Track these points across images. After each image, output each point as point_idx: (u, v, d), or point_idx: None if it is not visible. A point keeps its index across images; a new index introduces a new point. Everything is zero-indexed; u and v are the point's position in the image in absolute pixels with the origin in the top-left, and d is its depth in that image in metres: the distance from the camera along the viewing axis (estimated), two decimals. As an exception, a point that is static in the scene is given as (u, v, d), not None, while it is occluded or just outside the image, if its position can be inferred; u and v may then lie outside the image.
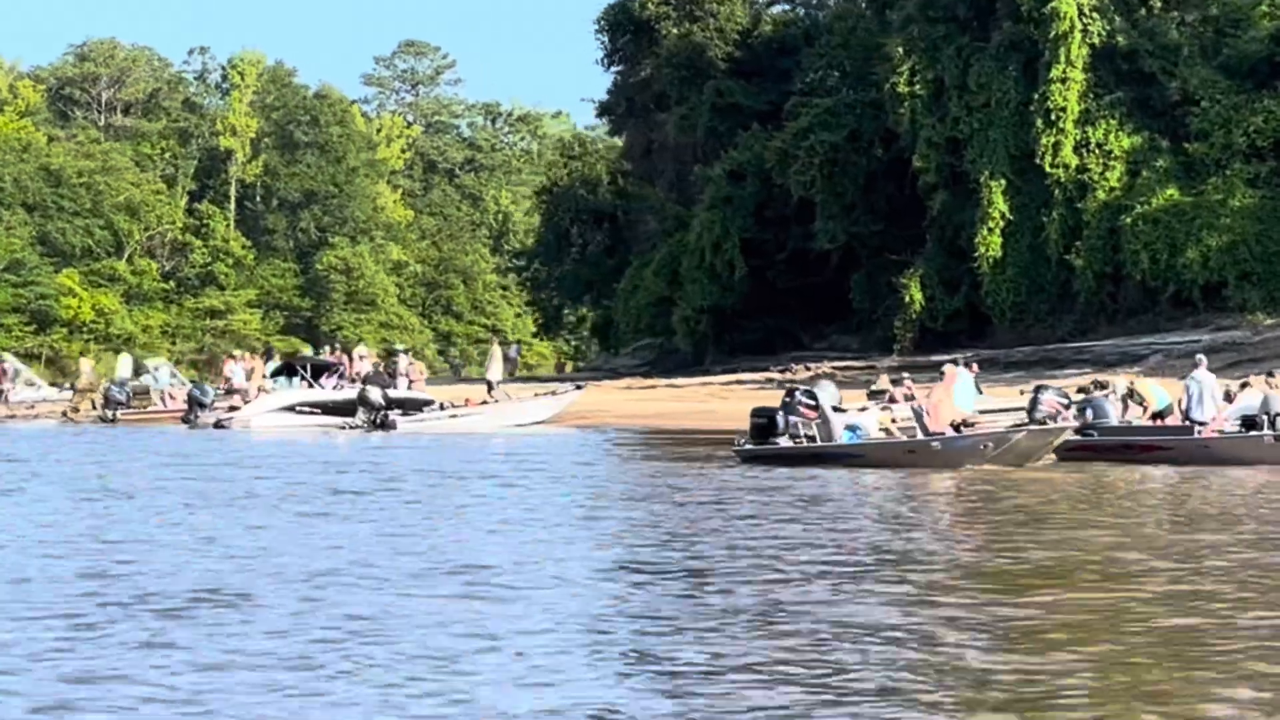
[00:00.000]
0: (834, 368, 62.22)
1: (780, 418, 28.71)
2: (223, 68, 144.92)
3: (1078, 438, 28.35)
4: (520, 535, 18.04)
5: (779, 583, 14.09)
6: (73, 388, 57.03)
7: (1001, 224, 60.04)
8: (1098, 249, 58.05)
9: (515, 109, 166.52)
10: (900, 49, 61.76)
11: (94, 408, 54.45)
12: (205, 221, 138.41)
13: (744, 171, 68.23)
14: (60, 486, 24.59)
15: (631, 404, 51.70)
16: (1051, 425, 26.59)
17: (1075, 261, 58.29)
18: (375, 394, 45.98)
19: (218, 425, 47.25)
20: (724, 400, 53.73)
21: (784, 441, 28.35)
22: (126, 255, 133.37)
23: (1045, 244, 59.53)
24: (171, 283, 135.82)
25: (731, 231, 67.41)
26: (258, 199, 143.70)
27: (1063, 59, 58.50)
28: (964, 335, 62.57)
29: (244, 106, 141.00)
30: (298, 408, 46.99)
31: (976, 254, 60.31)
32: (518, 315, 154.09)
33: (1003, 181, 60.02)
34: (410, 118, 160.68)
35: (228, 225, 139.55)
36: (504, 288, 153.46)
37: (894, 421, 28.10)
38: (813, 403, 34.56)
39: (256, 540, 17.46)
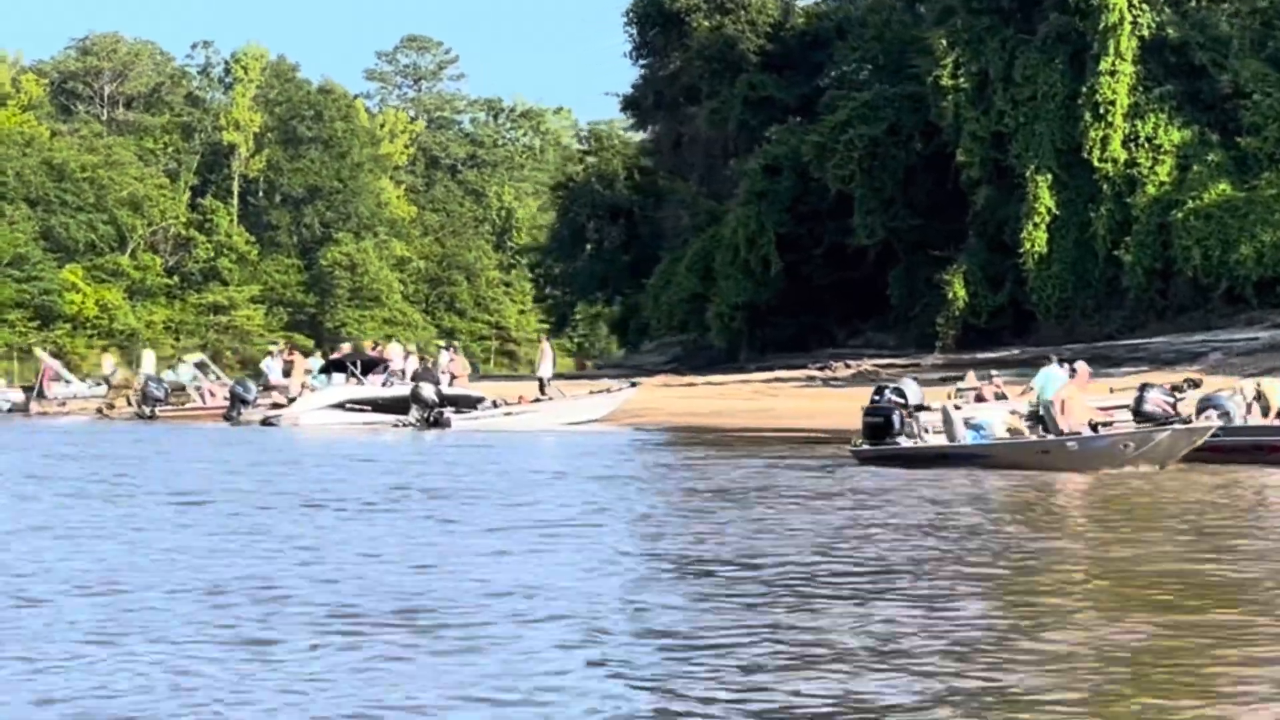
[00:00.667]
0: (875, 365, 61.25)
1: (896, 417, 27.62)
2: (226, 62, 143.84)
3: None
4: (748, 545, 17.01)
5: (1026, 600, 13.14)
6: (106, 383, 55.89)
7: (1047, 219, 59.06)
8: (1148, 245, 57.08)
9: (518, 105, 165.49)
10: (943, 41, 60.77)
11: (129, 404, 53.39)
12: (209, 217, 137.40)
13: (779, 165, 67.23)
14: (179, 493, 23.52)
15: (680, 402, 50.64)
16: (1197, 425, 25.61)
17: (1124, 257, 57.31)
18: (429, 390, 44.94)
19: (265, 423, 46.22)
20: (774, 398, 52.81)
21: (905, 441, 27.28)
22: (130, 250, 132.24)
23: (1093, 239, 58.56)
24: (175, 278, 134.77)
25: (767, 226, 66.40)
26: (260, 194, 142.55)
27: (1112, 51, 57.54)
28: (1007, 332, 61.62)
29: (247, 101, 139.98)
30: (347, 405, 45.91)
31: (1022, 250, 59.32)
32: (521, 312, 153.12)
33: (1049, 176, 59.04)
34: (412, 113, 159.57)
35: (231, 220, 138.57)
36: (507, 284, 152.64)
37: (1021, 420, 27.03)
38: (903, 401, 33.67)
39: (426, 549, 16.45)
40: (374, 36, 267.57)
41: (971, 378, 36.72)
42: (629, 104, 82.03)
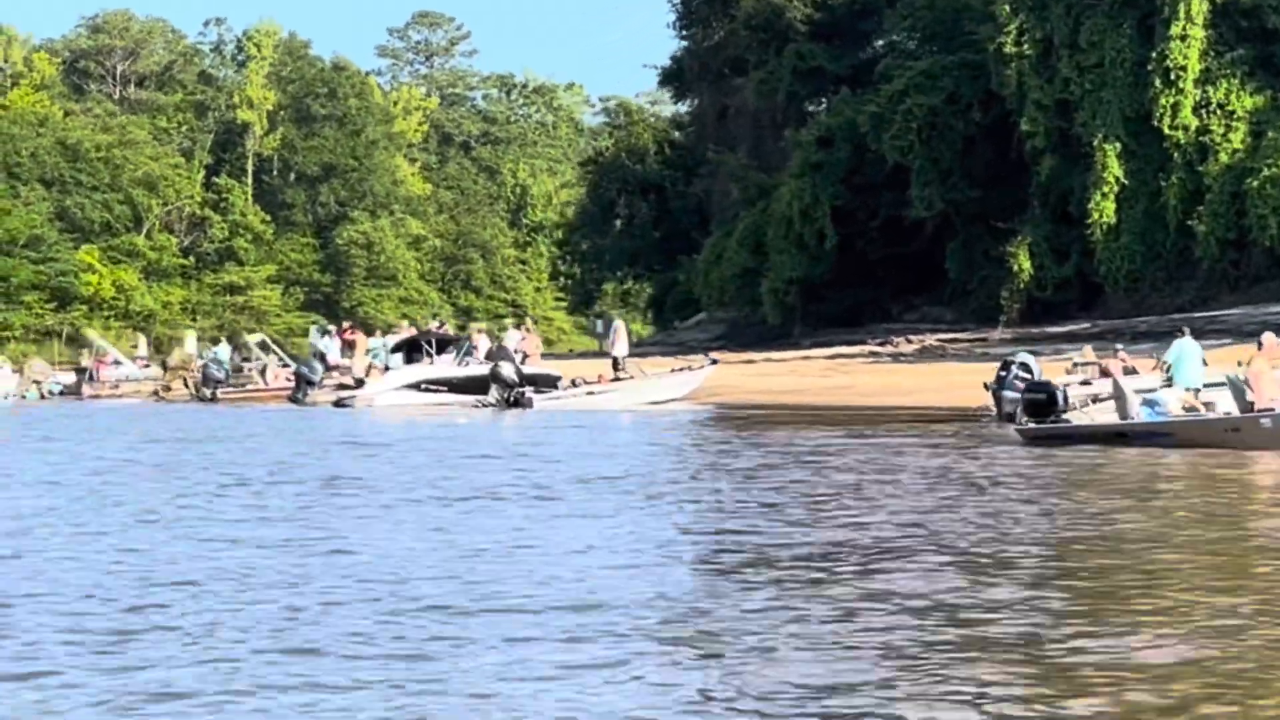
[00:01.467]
0: (939, 340, 60.15)
1: (1060, 394, 26.33)
2: (238, 40, 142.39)
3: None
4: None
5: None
6: (163, 365, 54.69)
7: (1116, 189, 57.82)
8: (1221, 214, 55.81)
9: (530, 81, 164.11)
10: (1006, 7, 59.50)
11: (186, 386, 52.21)
12: (224, 196, 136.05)
13: (833, 137, 66.02)
14: (369, 485, 22.26)
15: (754, 380, 49.35)
16: None
17: (1197, 227, 56.07)
18: (508, 370, 43.68)
19: (338, 404, 44.96)
20: (847, 374, 51.59)
21: (1075, 419, 25.99)
22: (145, 231, 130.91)
23: (1163, 209, 57.33)
24: (190, 258, 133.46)
25: (821, 199, 65.16)
26: (275, 173, 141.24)
27: (1182, 15, 56.25)
28: (1073, 305, 60.49)
29: (260, 79, 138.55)
30: (423, 385, 44.67)
31: (1089, 220, 58.11)
32: (538, 290, 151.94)
33: (1117, 145, 57.80)
34: (425, 90, 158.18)
35: (246, 200, 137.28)
36: (523, 261, 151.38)
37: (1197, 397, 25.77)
38: (1030, 376, 32.52)
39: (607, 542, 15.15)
40: (385, 12, 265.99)
41: (1089, 352, 35.56)
42: (669, 76, 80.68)
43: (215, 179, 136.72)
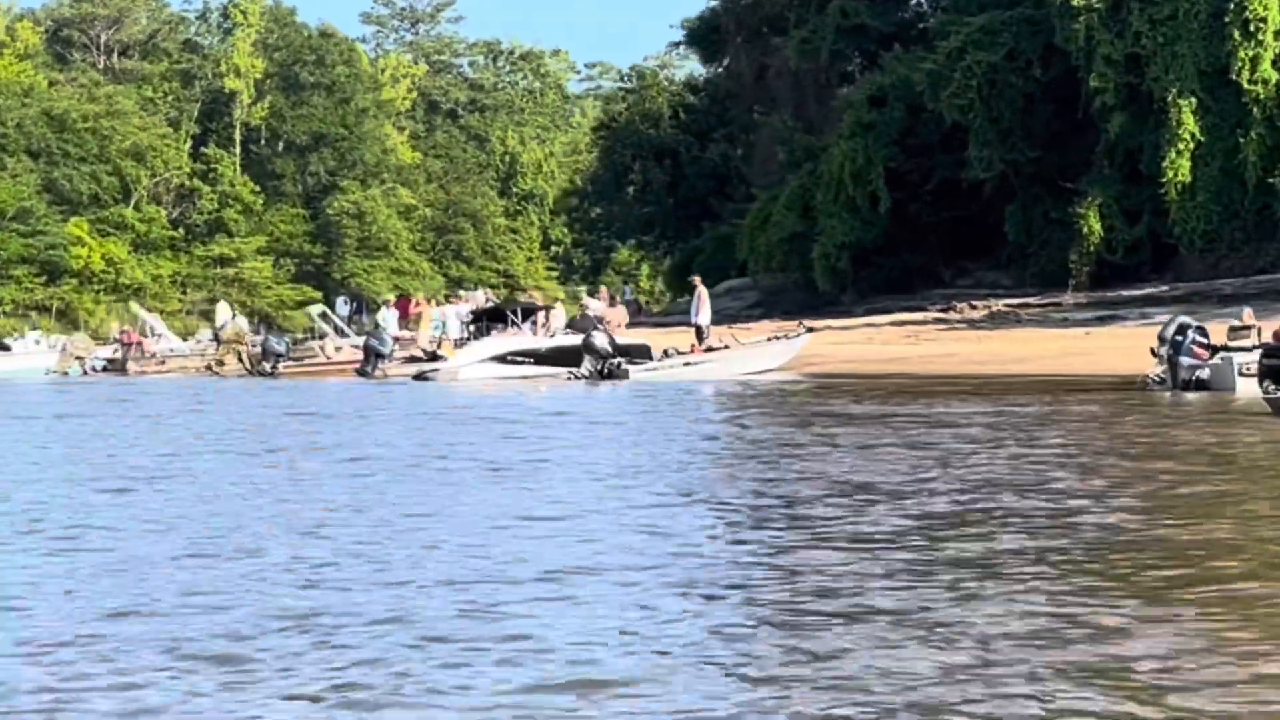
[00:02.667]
0: (1007, 305, 58.23)
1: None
2: (224, 6, 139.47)
3: None
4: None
5: None
6: (216, 338, 52.42)
7: (1191, 146, 55.84)
8: (1303, 171, 54.03)
9: (516, 47, 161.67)
10: (1073, -40, 57.48)
11: (240, 360, 50.01)
12: (213, 166, 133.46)
13: (885, 96, 63.95)
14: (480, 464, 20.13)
15: (844, 348, 47.26)
16: None
17: (1278, 185, 54.22)
18: (602, 340, 41.64)
19: (420, 378, 42.81)
20: (936, 342, 49.66)
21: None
22: (133, 202, 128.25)
23: (1241, 167, 55.36)
24: (180, 230, 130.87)
25: (875, 161, 63.07)
26: (262, 142, 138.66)
27: (1261, -35, 54.37)
28: (1145, 267, 58.57)
29: (247, 46, 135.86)
30: (509, 357, 42.55)
31: (1162, 179, 56.10)
32: (529, 260, 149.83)
33: (1192, 100, 55.82)
34: (411, 57, 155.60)
35: (235, 170, 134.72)
36: (514, 231, 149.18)
37: None
38: (1205, 341, 30.63)
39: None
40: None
41: (1249, 315, 33.57)
42: (696, 36, 78.46)
43: (203, 149, 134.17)
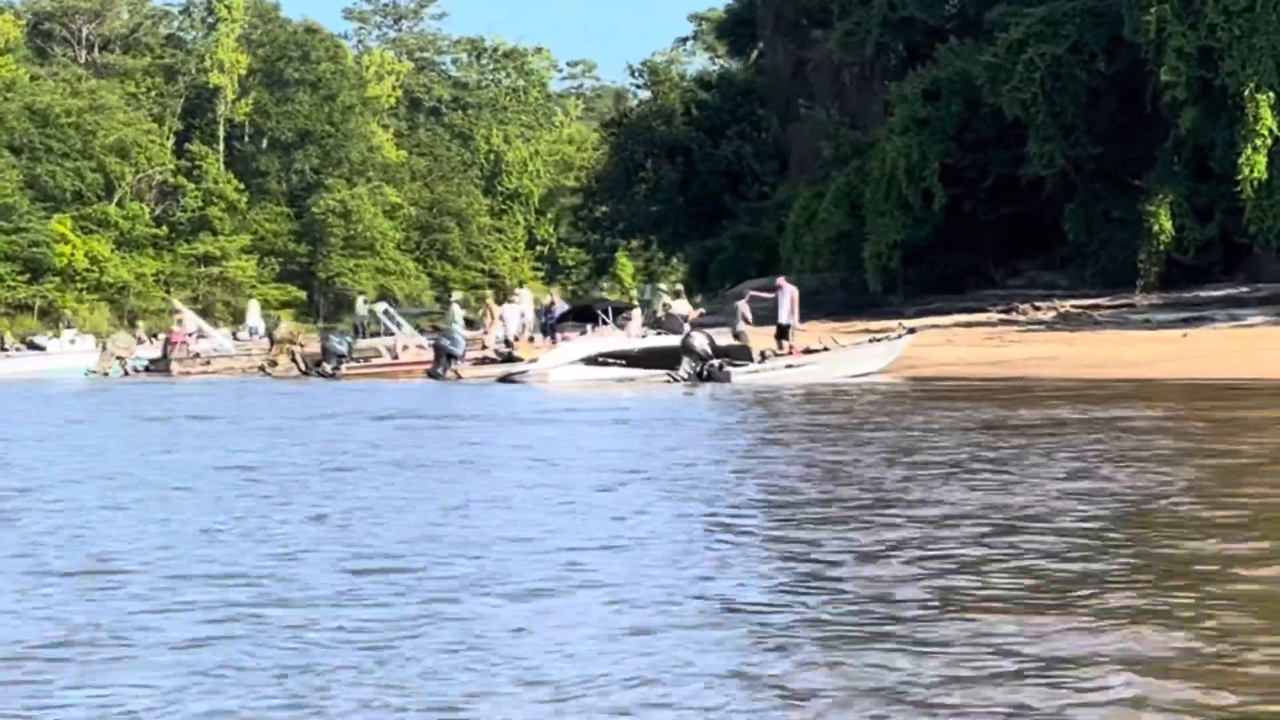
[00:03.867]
0: (1075, 306, 56.27)
1: None
2: (207, 1, 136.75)
3: None
4: None
5: None
6: (270, 338, 50.06)
7: (1269, 142, 53.96)
8: (1388, 169, 52.19)
9: (499, 45, 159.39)
10: (1145, -52, 55.56)
11: (294, 361, 47.69)
12: (197, 163, 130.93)
13: (940, 90, 61.98)
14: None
15: (940, 351, 45.09)
16: None
17: (1361, 183, 52.45)
18: (701, 341, 39.52)
19: (506, 380, 40.59)
20: (1019, 344, 47.61)
21: None
22: (116, 199, 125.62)
23: (1322, 164, 53.57)
24: (163, 228, 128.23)
25: (930, 157, 61.04)
26: (246, 139, 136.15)
27: (1345, -45, 52.54)
28: (1216, 267, 56.71)
29: (231, 42, 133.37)
30: (600, 359, 40.38)
31: (1238, 176, 54.18)
32: (515, 259, 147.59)
33: (1270, 95, 53.88)
34: (394, 54, 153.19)
35: (219, 167, 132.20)
36: (499, 230, 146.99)
37: None
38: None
39: None
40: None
41: None
42: (727, 28, 76.33)
43: (187, 145, 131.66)
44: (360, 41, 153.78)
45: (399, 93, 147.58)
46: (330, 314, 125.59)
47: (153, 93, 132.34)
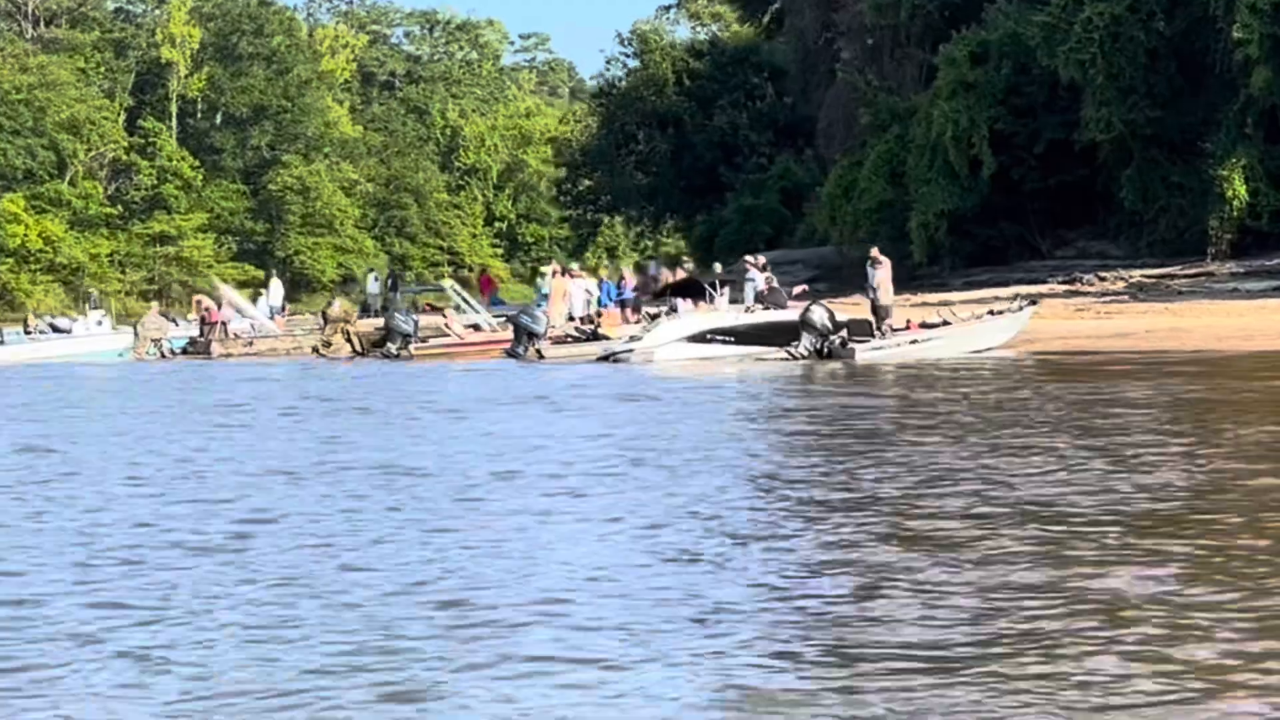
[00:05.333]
0: (1144, 276, 53.85)
1: None
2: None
3: None
4: None
5: None
6: (324, 317, 46.99)
7: (1349, 103, 51.84)
8: None
9: (452, 17, 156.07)
10: (1214, -99, 53.15)
11: (349, 341, 44.68)
12: (151, 140, 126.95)
13: (989, 52, 59.41)
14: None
15: (1058, 324, 42.52)
16: None
17: None
18: (821, 315, 36.86)
19: (610, 358, 37.76)
20: (1120, 316, 45.16)
21: None
22: (69, 177, 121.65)
23: (1406, 125, 51.39)
24: (118, 207, 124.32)
25: (979, 122, 58.45)
26: (199, 115, 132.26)
27: None
28: (1289, 234, 54.49)
29: (183, 15, 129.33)
30: (709, 336, 37.62)
31: (1318, 138, 52.01)
32: (474, 236, 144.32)
33: (1350, 53, 51.78)
34: (348, 27, 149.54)
35: (173, 144, 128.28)
36: (456, 206, 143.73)
37: None
38: None
39: None
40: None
41: None
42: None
43: (140, 122, 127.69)
44: (311, 15, 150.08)
45: (354, 66, 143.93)
46: (288, 294, 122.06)
47: (102, 68, 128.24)
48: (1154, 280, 52.64)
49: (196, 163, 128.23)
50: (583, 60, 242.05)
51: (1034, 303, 40.45)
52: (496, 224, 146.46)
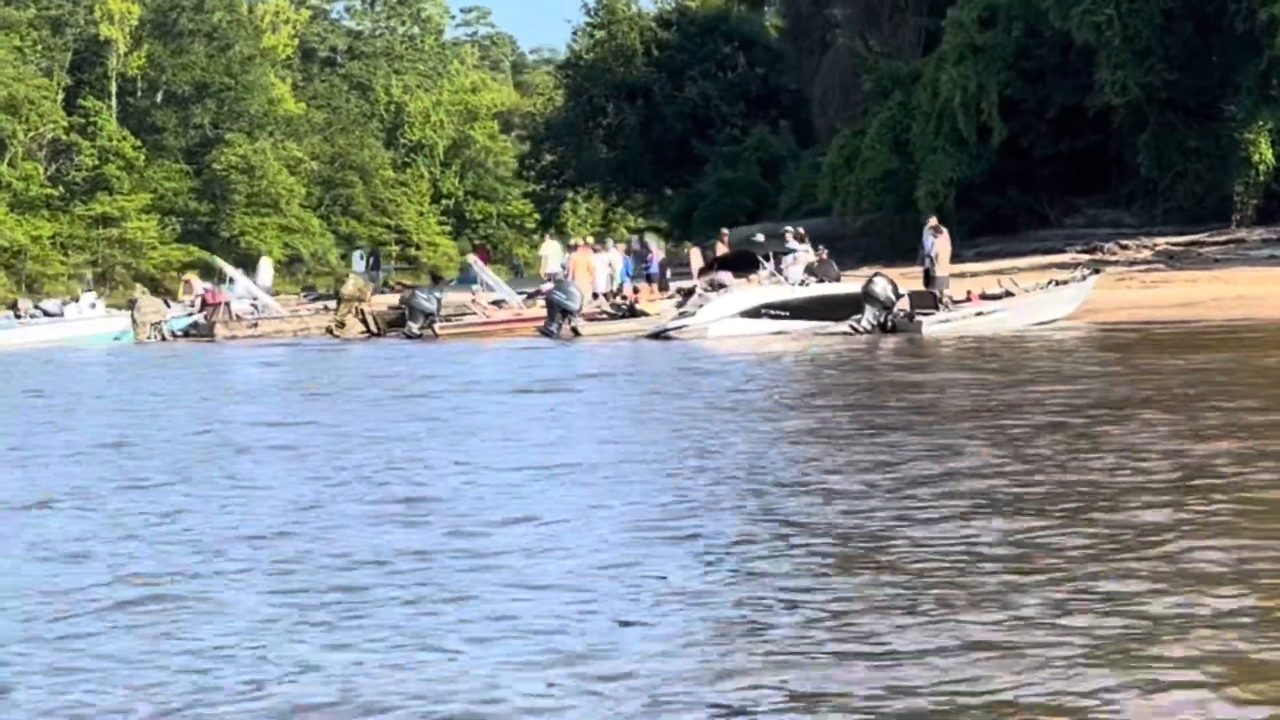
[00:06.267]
0: (1170, 244, 52.15)
1: None
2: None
3: None
4: None
5: None
6: (336, 296, 44.76)
7: (1377, 65, 50.29)
8: None
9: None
10: None
11: (363, 321, 42.52)
12: (91, 119, 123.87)
13: (997, 15, 57.65)
14: None
15: (1120, 294, 40.71)
16: None
17: None
18: (884, 287, 34.99)
19: (660, 335, 35.77)
20: (1167, 285, 43.41)
21: None
22: (8, 158, 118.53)
23: None
24: (59, 188, 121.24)
25: (988, 88, 56.69)
26: (140, 93, 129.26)
27: None
28: (1315, 199, 52.95)
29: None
30: (764, 310, 35.69)
31: (1345, 101, 50.47)
32: (421, 214, 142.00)
33: (1378, 13, 50.21)
34: (289, 2, 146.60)
35: (114, 123, 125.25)
36: (403, 184, 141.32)
37: None
38: None
39: None
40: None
41: None
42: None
43: (79, 101, 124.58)
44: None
45: (296, 43, 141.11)
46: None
47: (39, 46, 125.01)
48: (1182, 248, 50.98)
49: (138, 142, 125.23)
50: (524, 34, 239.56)
51: (1097, 271, 38.71)
52: (444, 201, 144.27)
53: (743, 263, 38.06)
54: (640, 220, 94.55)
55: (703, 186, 79.76)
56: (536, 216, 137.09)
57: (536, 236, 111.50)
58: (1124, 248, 52.48)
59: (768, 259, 37.62)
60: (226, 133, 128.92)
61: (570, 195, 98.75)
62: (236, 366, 33.61)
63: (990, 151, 57.03)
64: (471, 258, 48.42)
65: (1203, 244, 51.05)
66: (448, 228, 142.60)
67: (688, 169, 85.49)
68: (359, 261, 61.55)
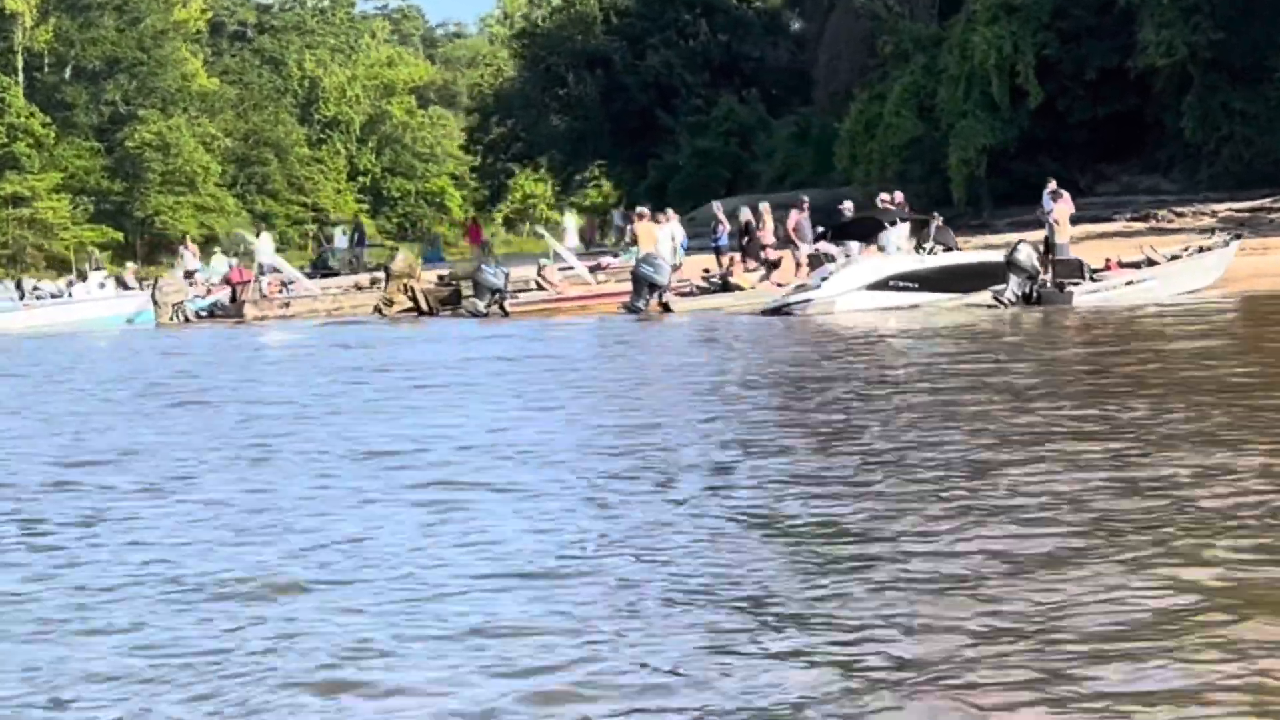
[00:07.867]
0: (1233, 210, 49.39)
1: None
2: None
3: None
4: None
5: None
6: (386, 271, 41.08)
7: None
8: None
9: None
10: None
11: (414, 299, 38.98)
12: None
13: (1030, -28, 54.80)
14: None
15: (1249, 260, 37.83)
16: None
17: None
18: (1028, 255, 31.87)
19: (781, 311, 32.49)
20: (1267, 255, 40.52)
21: None
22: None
23: None
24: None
25: (1024, 49, 53.77)
26: (48, 69, 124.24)
27: None
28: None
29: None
30: (892, 282, 32.52)
31: None
32: (338, 192, 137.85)
33: None
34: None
35: (21, 100, 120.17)
36: (319, 160, 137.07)
37: None
38: None
39: None
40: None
41: None
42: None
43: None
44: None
45: (208, 16, 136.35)
46: (147, 255, 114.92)
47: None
48: (1246, 214, 48.24)
49: (47, 119, 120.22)
50: (432, 7, 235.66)
51: (1238, 236, 35.79)
52: (360, 178, 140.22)
53: (868, 230, 34.86)
54: (599, 193, 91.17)
55: (677, 159, 76.51)
56: (459, 195, 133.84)
57: (472, 212, 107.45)
58: (1179, 214, 49.70)
59: (893, 224, 34.33)
60: (139, 109, 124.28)
61: (519, 169, 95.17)
62: (318, 353, 29.98)
63: (1024, 116, 54.16)
64: (547, 228, 44.73)
65: (1269, 210, 48.33)
66: (365, 205, 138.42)
67: (650, 140, 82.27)
68: (341, 238, 57.75)
